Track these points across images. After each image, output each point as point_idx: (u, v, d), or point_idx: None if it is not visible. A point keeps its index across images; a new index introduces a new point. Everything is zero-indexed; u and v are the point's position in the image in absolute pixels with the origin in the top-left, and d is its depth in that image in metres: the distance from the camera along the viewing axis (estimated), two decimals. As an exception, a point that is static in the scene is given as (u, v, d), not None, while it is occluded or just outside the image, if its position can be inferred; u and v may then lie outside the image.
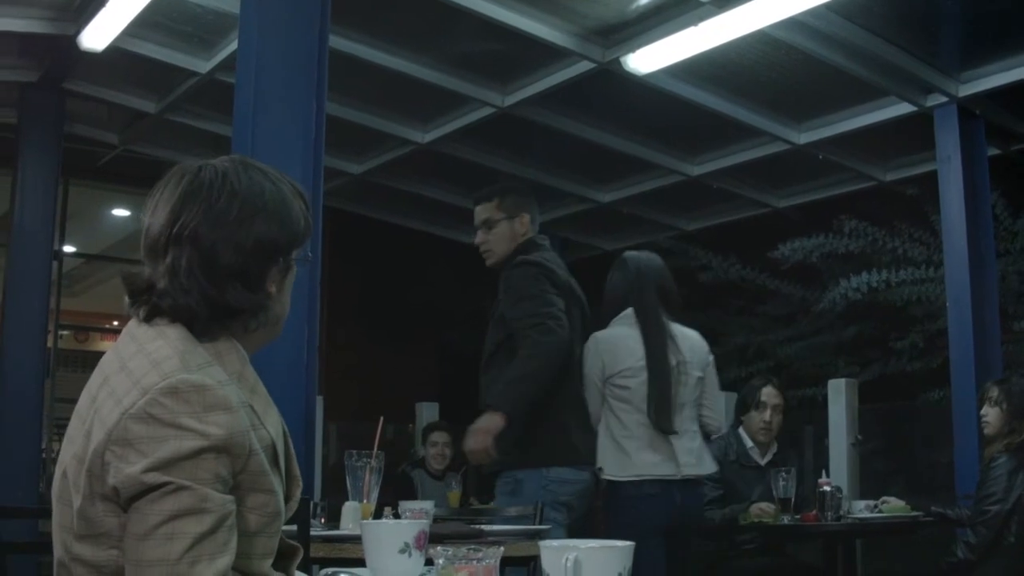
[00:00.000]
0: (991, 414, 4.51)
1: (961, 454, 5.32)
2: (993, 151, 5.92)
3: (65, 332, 10.95)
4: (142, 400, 1.42)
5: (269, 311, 1.63)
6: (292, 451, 1.65)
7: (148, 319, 1.55)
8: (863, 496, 5.25)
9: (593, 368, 3.94)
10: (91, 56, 5.47)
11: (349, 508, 2.99)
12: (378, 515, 2.98)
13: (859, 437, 5.99)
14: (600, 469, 3.85)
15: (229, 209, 1.56)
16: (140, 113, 6.50)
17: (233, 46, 4.96)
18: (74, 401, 1.57)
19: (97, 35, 5.25)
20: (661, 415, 3.88)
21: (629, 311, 4.04)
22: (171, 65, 5.63)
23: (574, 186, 7.30)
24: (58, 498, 1.51)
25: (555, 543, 1.49)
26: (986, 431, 4.55)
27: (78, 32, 5.29)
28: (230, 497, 1.44)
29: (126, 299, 1.59)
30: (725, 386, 7.50)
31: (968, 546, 4.30)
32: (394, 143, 6.69)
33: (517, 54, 5.40)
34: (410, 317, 9.67)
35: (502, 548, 1.59)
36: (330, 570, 1.97)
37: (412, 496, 6.04)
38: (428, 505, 3.16)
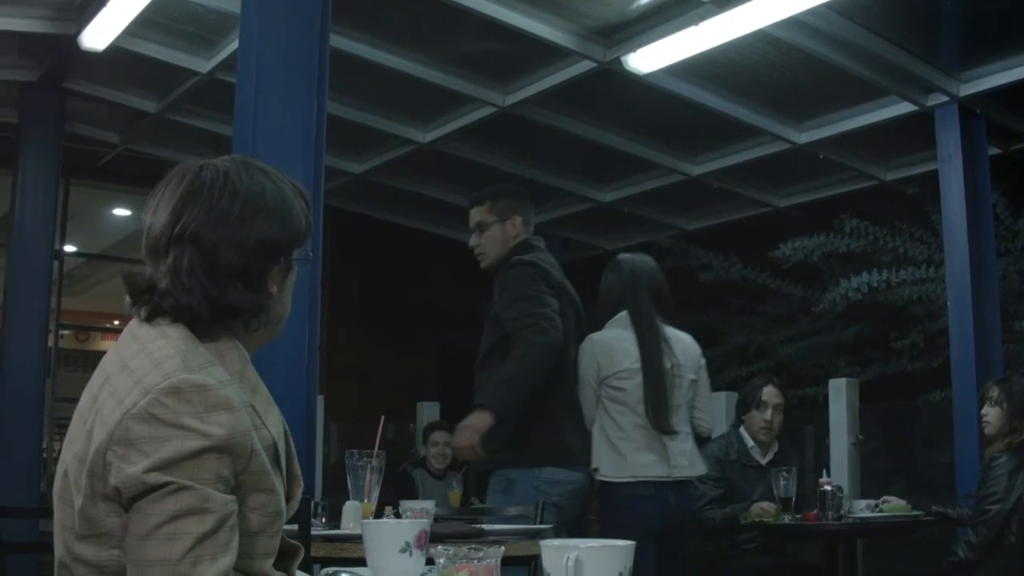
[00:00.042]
0: (992, 414, 4.51)
1: (962, 454, 5.32)
2: (994, 150, 5.92)
3: (66, 332, 10.95)
4: (144, 400, 1.42)
5: (270, 311, 1.63)
6: (293, 451, 1.65)
7: (149, 319, 1.55)
8: (864, 496, 5.25)
9: (589, 369, 3.96)
10: (92, 56, 5.47)
11: (350, 507, 2.99)
12: (379, 514, 2.99)
13: (860, 437, 5.99)
14: (595, 470, 3.88)
15: (231, 209, 1.56)
16: (141, 113, 6.50)
17: (234, 46, 4.96)
18: (75, 401, 1.57)
19: (98, 35, 5.25)
20: (659, 416, 3.92)
21: (624, 313, 4.07)
22: (172, 65, 5.63)
23: (575, 185, 7.30)
24: (59, 498, 1.51)
25: (556, 542, 1.49)
26: (987, 431, 4.54)
27: (79, 32, 5.29)
28: (232, 497, 1.44)
29: (127, 299, 1.59)
30: (726, 385, 7.57)
31: (969, 546, 4.30)
32: (395, 142, 6.69)
33: (518, 54, 5.40)
34: (411, 317, 9.68)
35: (503, 548, 1.59)
36: (331, 569, 1.97)
37: (413, 495, 6.04)
38: (429, 504, 3.16)
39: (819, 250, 7.90)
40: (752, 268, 8.70)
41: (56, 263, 7.36)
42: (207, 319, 1.55)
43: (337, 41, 4.64)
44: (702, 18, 4.73)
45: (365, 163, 7.06)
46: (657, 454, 3.92)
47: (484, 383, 3.72)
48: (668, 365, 4.00)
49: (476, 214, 3.99)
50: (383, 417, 3.05)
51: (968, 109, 5.54)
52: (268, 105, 3.61)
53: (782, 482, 4.51)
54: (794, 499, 4.51)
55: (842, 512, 4.58)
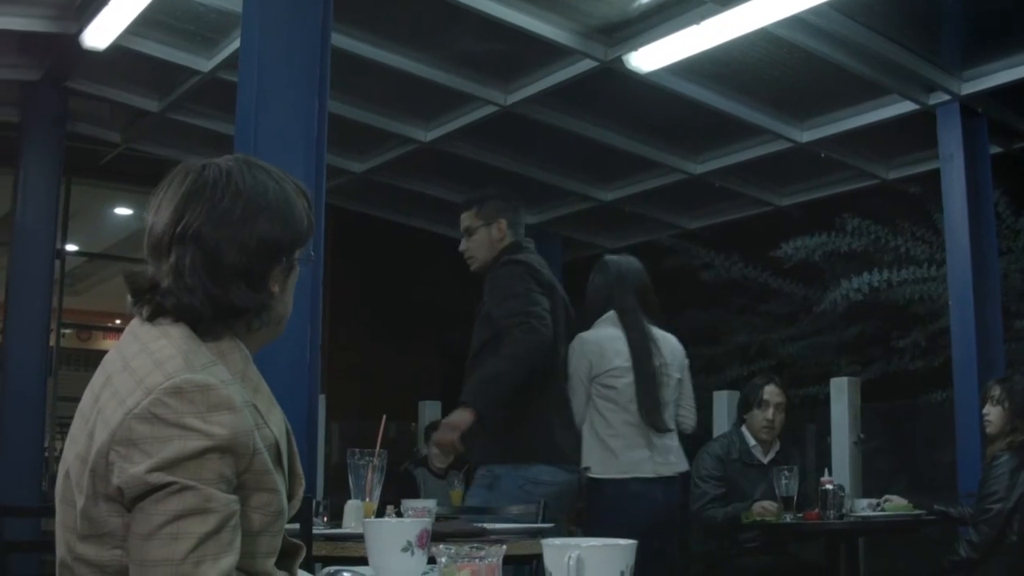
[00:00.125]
0: (993, 413, 4.51)
1: (963, 453, 5.32)
2: (996, 149, 5.91)
3: (67, 331, 10.95)
4: (146, 400, 1.42)
5: (272, 310, 1.63)
6: (295, 450, 1.65)
7: (151, 318, 1.55)
8: (865, 494, 5.24)
9: (579, 368, 4.03)
10: (93, 55, 5.47)
11: (351, 507, 2.99)
12: (380, 514, 2.99)
13: (861, 436, 5.98)
14: (586, 469, 3.92)
15: (233, 208, 1.56)
16: (142, 112, 6.50)
17: (235, 45, 4.96)
18: (76, 400, 1.57)
19: (99, 34, 5.25)
20: (652, 413, 4.01)
21: (612, 313, 4.17)
22: (173, 64, 5.63)
23: (576, 184, 7.30)
24: (61, 498, 1.51)
25: (557, 541, 1.50)
26: (988, 430, 4.54)
27: (80, 31, 5.30)
28: (234, 497, 1.44)
29: (129, 298, 1.59)
30: (727, 385, 7.57)
31: (970, 544, 4.29)
32: (396, 141, 6.68)
33: (519, 52, 5.39)
34: (413, 316, 9.68)
35: (504, 547, 1.59)
36: (332, 569, 1.97)
37: (415, 494, 6.04)
38: (431, 504, 3.16)
39: (820, 249, 7.89)
40: (754, 267, 8.69)
41: (58, 262, 7.36)
42: (209, 319, 1.55)
43: (338, 40, 4.64)
44: (703, 17, 4.73)
45: (367, 162, 7.05)
46: (647, 451, 4.01)
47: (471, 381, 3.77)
48: (656, 363, 4.09)
49: (464, 219, 4.06)
50: (385, 416, 3.06)
51: (970, 108, 5.53)
52: (270, 104, 3.62)
53: (784, 481, 4.51)
54: (796, 498, 4.51)
55: (843, 511, 4.59)
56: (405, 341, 9.84)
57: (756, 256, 8.56)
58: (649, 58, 5.15)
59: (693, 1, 4.72)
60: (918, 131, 5.86)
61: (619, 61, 5.18)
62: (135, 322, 1.58)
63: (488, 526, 3.01)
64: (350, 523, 2.93)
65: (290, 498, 1.60)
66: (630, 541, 1.49)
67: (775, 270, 8.55)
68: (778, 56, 5.22)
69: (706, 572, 5.05)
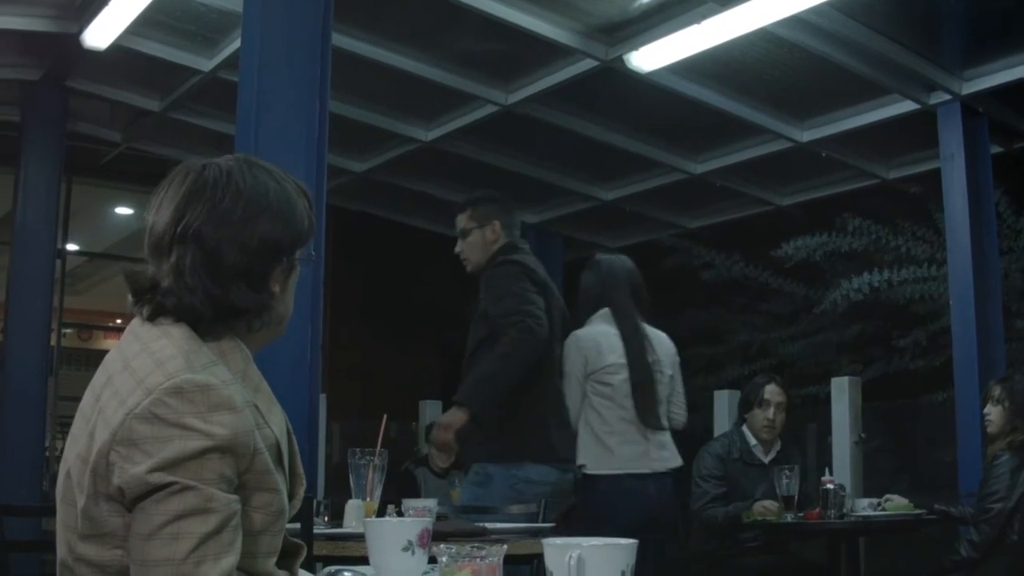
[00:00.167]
0: (994, 412, 4.51)
1: (964, 452, 5.31)
2: (996, 149, 5.91)
3: (68, 330, 10.96)
4: (147, 400, 1.42)
5: (273, 311, 1.63)
6: (296, 449, 1.65)
7: (152, 318, 1.55)
8: (866, 494, 5.24)
9: (575, 365, 4.06)
10: (94, 54, 5.47)
11: (352, 506, 3.00)
12: (381, 513, 2.99)
13: (862, 435, 5.98)
14: (581, 466, 3.94)
15: (234, 208, 1.56)
16: (143, 111, 6.50)
17: (236, 44, 4.96)
18: (77, 399, 1.57)
19: (100, 33, 5.25)
20: (648, 411, 4.05)
21: (606, 310, 4.20)
22: (174, 63, 5.63)
23: (577, 184, 7.30)
24: (62, 498, 1.51)
25: (558, 541, 1.50)
26: (989, 429, 4.54)
27: (81, 30, 5.30)
28: (235, 497, 1.44)
29: (130, 298, 1.59)
30: (728, 384, 7.57)
31: (971, 544, 4.29)
32: (397, 141, 6.68)
33: (520, 52, 5.39)
34: (413, 315, 9.68)
35: (505, 546, 1.59)
36: (333, 568, 1.97)
37: (415, 494, 6.04)
38: (431, 503, 3.16)
39: (821, 249, 7.89)
40: (754, 266, 8.69)
41: (58, 262, 7.36)
42: (210, 318, 1.55)
43: (339, 40, 4.64)
44: (704, 16, 4.73)
45: (367, 162, 7.05)
46: (641, 447, 4.04)
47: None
48: (651, 360, 4.13)
49: (459, 221, 4.11)
50: (385, 416, 3.06)
51: (970, 107, 5.53)
52: (270, 104, 3.62)
53: (784, 480, 4.51)
54: (796, 497, 4.51)
55: (844, 510, 4.59)
56: (406, 341, 9.85)
57: (757, 255, 8.56)
58: (650, 58, 5.15)
59: (693, 1, 4.72)
60: (919, 131, 5.86)
61: (620, 61, 5.18)
62: (136, 322, 1.58)
63: (489, 525, 3.02)
64: (351, 523, 2.93)
65: (291, 498, 1.60)
66: (631, 541, 1.49)
67: (776, 270, 8.55)
68: (778, 56, 5.22)
69: (707, 571, 5.04)
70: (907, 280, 7.47)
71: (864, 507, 4.71)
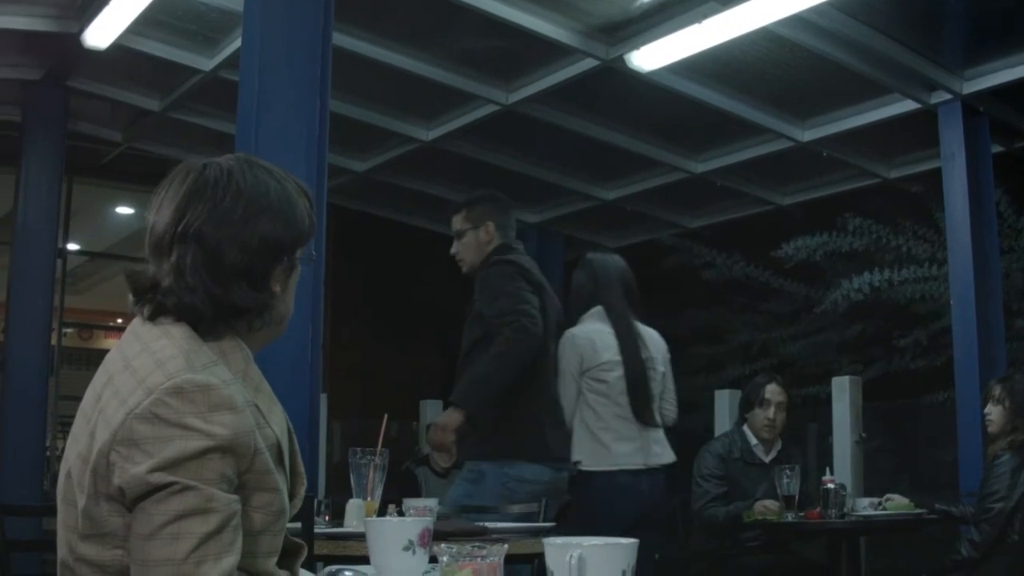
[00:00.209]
0: (994, 412, 4.50)
1: (965, 452, 5.31)
2: (997, 148, 5.90)
3: (69, 330, 10.95)
4: (147, 400, 1.42)
5: (274, 310, 1.63)
6: (297, 449, 1.65)
7: (153, 318, 1.55)
8: (867, 493, 5.24)
9: (570, 363, 4.11)
10: (95, 54, 5.47)
11: (353, 506, 3.00)
12: (382, 513, 2.99)
13: (863, 435, 5.98)
14: (576, 462, 3.97)
15: (234, 208, 1.56)
16: (144, 111, 6.50)
17: (237, 44, 4.96)
18: (78, 399, 1.57)
19: (101, 33, 5.25)
20: (643, 407, 4.12)
21: (598, 308, 4.25)
22: (175, 63, 5.63)
23: (578, 183, 7.30)
24: (62, 498, 1.51)
25: (559, 540, 1.50)
26: (989, 429, 4.54)
27: (82, 30, 5.30)
28: (235, 497, 1.44)
29: (130, 297, 1.59)
30: (729, 384, 7.57)
31: (972, 544, 4.29)
32: (398, 140, 6.68)
33: (521, 51, 5.39)
34: (414, 315, 9.67)
35: (506, 546, 1.59)
36: (334, 568, 1.97)
37: (416, 493, 6.04)
38: (432, 503, 3.16)
39: (822, 249, 7.88)
40: (755, 266, 8.68)
41: (59, 261, 7.35)
42: (210, 318, 1.55)
43: (340, 39, 4.64)
44: (705, 16, 4.73)
45: (368, 161, 7.05)
46: (636, 443, 4.11)
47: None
48: (644, 357, 4.19)
49: (454, 222, 4.14)
50: (386, 415, 3.07)
51: (971, 107, 5.53)
52: (271, 103, 3.62)
53: (785, 480, 4.51)
54: (797, 497, 4.52)
55: (845, 510, 4.59)
56: (407, 340, 9.84)
57: (757, 255, 8.55)
58: (650, 57, 5.14)
59: (694, 0, 4.72)
60: (920, 130, 5.86)
61: (620, 60, 5.17)
62: (136, 321, 1.58)
63: (490, 525, 3.02)
64: (352, 522, 2.93)
65: (292, 497, 1.60)
66: (632, 540, 1.49)
67: (776, 269, 8.55)
68: (779, 55, 5.22)
69: (708, 571, 5.05)
70: (908, 280, 7.46)
71: (865, 507, 4.71)
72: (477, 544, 1.55)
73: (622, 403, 4.10)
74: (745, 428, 5.02)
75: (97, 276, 11.13)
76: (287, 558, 1.65)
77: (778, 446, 5.02)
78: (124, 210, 10.04)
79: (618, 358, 4.13)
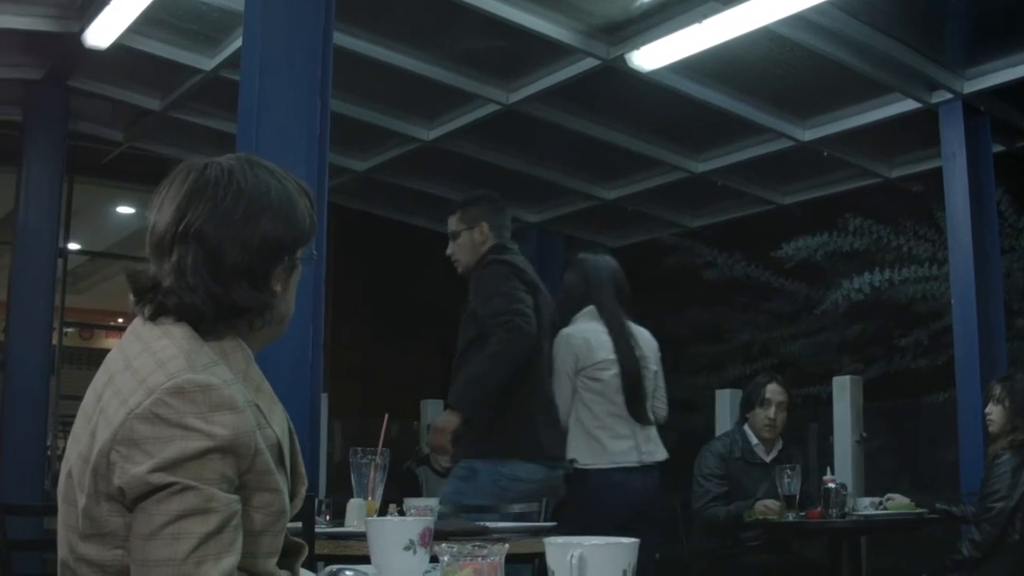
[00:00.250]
0: (995, 411, 4.50)
1: (966, 451, 5.31)
2: (998, 148, 5.90)
3: (70, 329, 10.95)
4: (148, 400, 1.42)
5: (274, 310, 1.63)
6: (298, 449, 1.65)
7: (153, 317, 1.55)
8: (868, 493, 5.24)
9: (566, 362, 4.15)
10: (96, 54, 5.47)
11: (354, 505, 3.00)
12: (383, 512, 2.99)
13: (864, 434, 5.98)
14: (572, 461, 3.99)
15: (235, 207, 1.56)
16: (144, 110, 6.50)
17: (237, 43, 4.96)
18: (79, 398, 1.57)
19: (101, 33, 5.26)
20: (637, 405, 4.16)
21: (591, 308, 4.29)
22: (175, 63, 5.63)
23: (579, 183, 7.30)
24: (63, 498, 1.51)
25: (560, 540, 1.50)
26: (990, 428, 4.54)
27: (82, 30, 5.30)
28: (236, 497, 1.44)
29: (131, 297, 1.58)
30: (730, 383, 7.57)
31: (973, 543, 4.29)
32: (399, 140, 6.68)
33: (522, 51, 5.39)
34: (415, 314, 9.66)
35: (507, 545, 1.59)
36: (335, 567, 1.97)
37: (417, 493, 6.03)
38: (433, 502, 3.16)
39: (823, 249, 7.88)
40: (756, 266, 8.68)
41: (60, 261, 7.35)
42: (211, 318, 1.55)
43: (340, 39, 4.64)
44: (705, 15, 4.73)
45: (369, 161, 7.05)
46: (631, 441, 4.15)
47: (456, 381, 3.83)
48: (638, 356, 4.23)
49: (450, 223, 4.18)
50: (387, 415, 3.07)
51: (972, 106, 5.53)
52: (272, 103, 3.62)
53: (786, 479, 4.51)
54: (798, 496, 4.52)
55: (846, 510, 4.59)
56: (407, 340, 9.83)
57: (758, 254, 8.55)
58: (651, 57, 5.14)
59: (695, 0, 4.72)
60: (921, 129, 5.86)
61: (621, 60, 5.17)
62: (137, 321, 1.58)
63: (490, 525, 3.02)
64: (352, 522, 2.93)
65: (292, 497, 1.60)
66: (632, 540, 1.49)
67: (777, 269, 8.55)
68: (780, 54, 5.21)
69: (708, 570, 5.04)
70: (908, 279, 7.46)
71: (866, 506, 4.71)
72: (478, 544, 1.55)
73: (617, 401, 4.15)
74: (746, 428, 5.02)
75: (98, 276, 11.13)
76: (288, 558, 1.65)
77: (779, 446, 5.02)
78: (125, 210, 10.04)
79: (613, 357, 4.17)
